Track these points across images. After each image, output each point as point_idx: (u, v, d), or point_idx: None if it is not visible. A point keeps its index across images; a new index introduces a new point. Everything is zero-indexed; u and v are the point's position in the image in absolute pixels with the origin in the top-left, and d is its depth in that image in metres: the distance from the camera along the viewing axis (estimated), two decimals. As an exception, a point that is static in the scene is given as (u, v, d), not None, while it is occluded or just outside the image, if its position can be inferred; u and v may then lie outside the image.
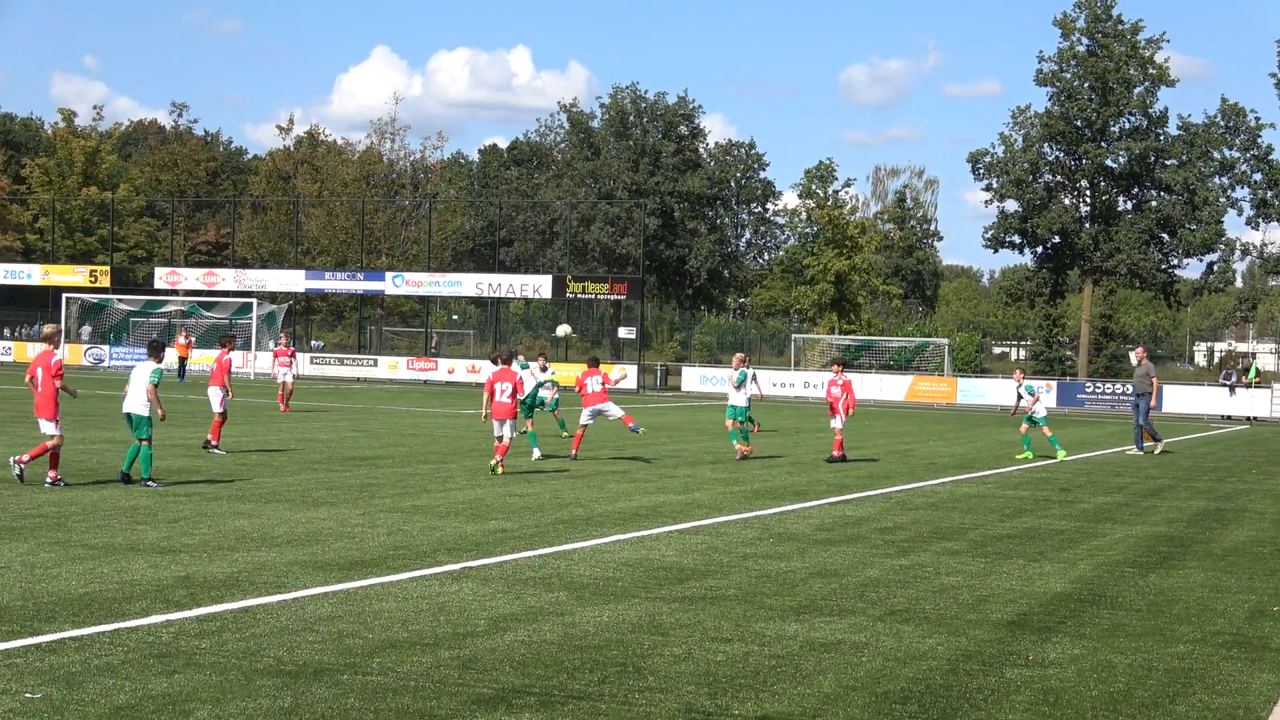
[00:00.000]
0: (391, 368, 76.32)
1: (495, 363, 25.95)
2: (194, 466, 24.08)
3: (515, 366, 28.42)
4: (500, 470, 24.42)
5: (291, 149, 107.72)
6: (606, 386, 29.11)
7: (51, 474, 20.46)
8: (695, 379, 74.70)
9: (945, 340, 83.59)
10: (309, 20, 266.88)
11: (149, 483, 20.72)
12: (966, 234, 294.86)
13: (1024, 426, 33.97)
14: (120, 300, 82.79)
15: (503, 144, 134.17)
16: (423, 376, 74.26)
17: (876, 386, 71.09)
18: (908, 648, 11.43)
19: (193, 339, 70.85)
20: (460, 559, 15.03)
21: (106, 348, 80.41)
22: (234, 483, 21.78)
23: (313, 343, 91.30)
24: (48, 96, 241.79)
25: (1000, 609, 13.28)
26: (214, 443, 27.21)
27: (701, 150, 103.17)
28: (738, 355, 31.86)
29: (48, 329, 22.16)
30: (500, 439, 24.82)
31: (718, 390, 71.56)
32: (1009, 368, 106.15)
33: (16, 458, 20.69)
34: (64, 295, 79.72)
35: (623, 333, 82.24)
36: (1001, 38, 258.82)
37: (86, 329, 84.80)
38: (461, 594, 13.01)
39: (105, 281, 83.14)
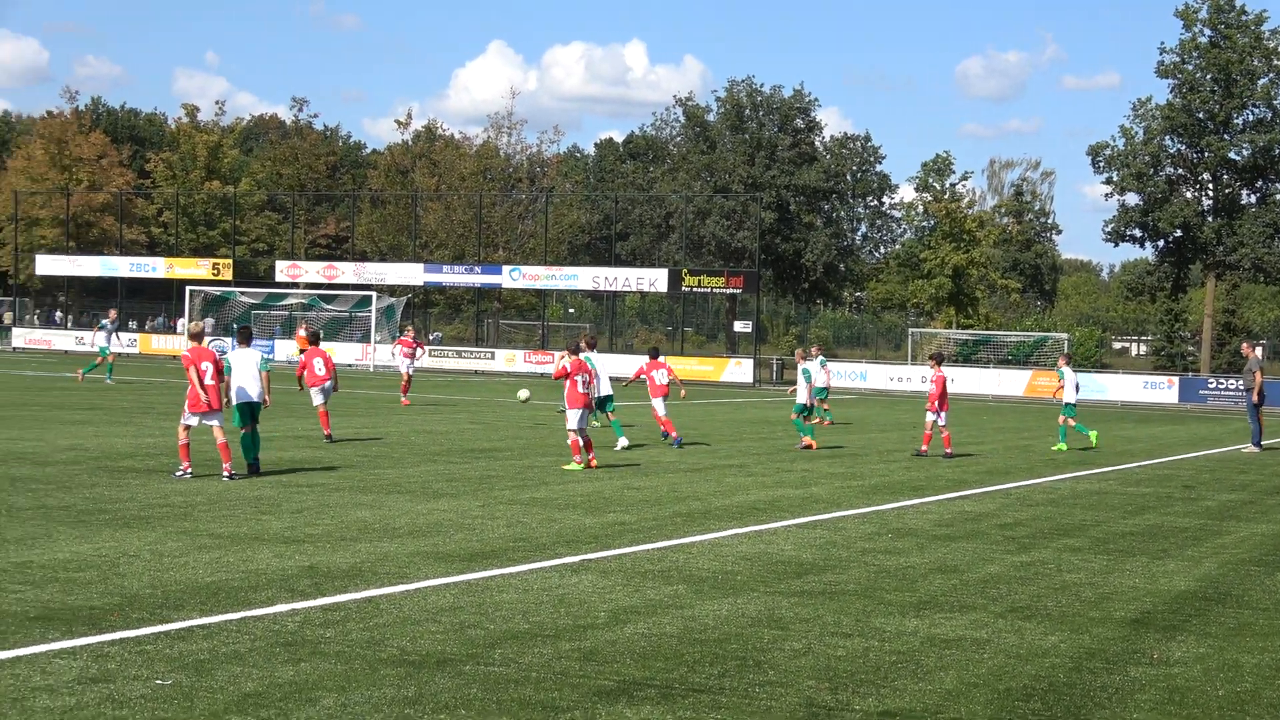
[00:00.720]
0: (508, 360, 76.74)
1: (574, 353, 25.37)
2: (315, 457, 24.36)
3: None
4: (593, 464, 24.32)
5: (410, 143, 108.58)
6: (670, 380, 29.50)
7: (226, 467, 20.68)
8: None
9: (1064, 335, 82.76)
10: (426, 15, 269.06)
11: (253, 466, 21.12)
12: (1086, 228, 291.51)
13: (1061, 417, 34.07)
14: (242, 293, 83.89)
15: (618, 138, 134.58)
16: (539, 369, 74.61)
17: (995, 381, 70.50)
18: (1030, 645, 11.35)
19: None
20: (579, 551, 15.11)
21: (229, 340, 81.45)
22: (356, 474, 22.01)
23: (431, 335, 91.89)
24: (170, 92, 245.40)
25: (1124, 607, 13.15)
26: (327, 434, 27.73)
27: (817, 143, 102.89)
28: (798, 351, 32.29)
29: (195, 327, 22.45)
30: (579, 431, 24.60)
31: (834, 384, 71.15)
32: (1128, 364, 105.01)
33: (225, 471, 20.77)
34: (187, 288, 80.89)
35: (738, 326, 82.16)
36: (1121, 29, 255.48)
37: (209, 321, 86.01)
38: (581, 586, 13.08)
39: (227, 274, 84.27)
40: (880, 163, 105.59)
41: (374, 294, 77.90)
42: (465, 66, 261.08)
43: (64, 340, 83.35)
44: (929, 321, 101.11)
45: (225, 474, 20.48)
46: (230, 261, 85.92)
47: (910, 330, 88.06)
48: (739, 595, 12.95)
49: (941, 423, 29.52)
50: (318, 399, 28.27)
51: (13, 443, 24.68)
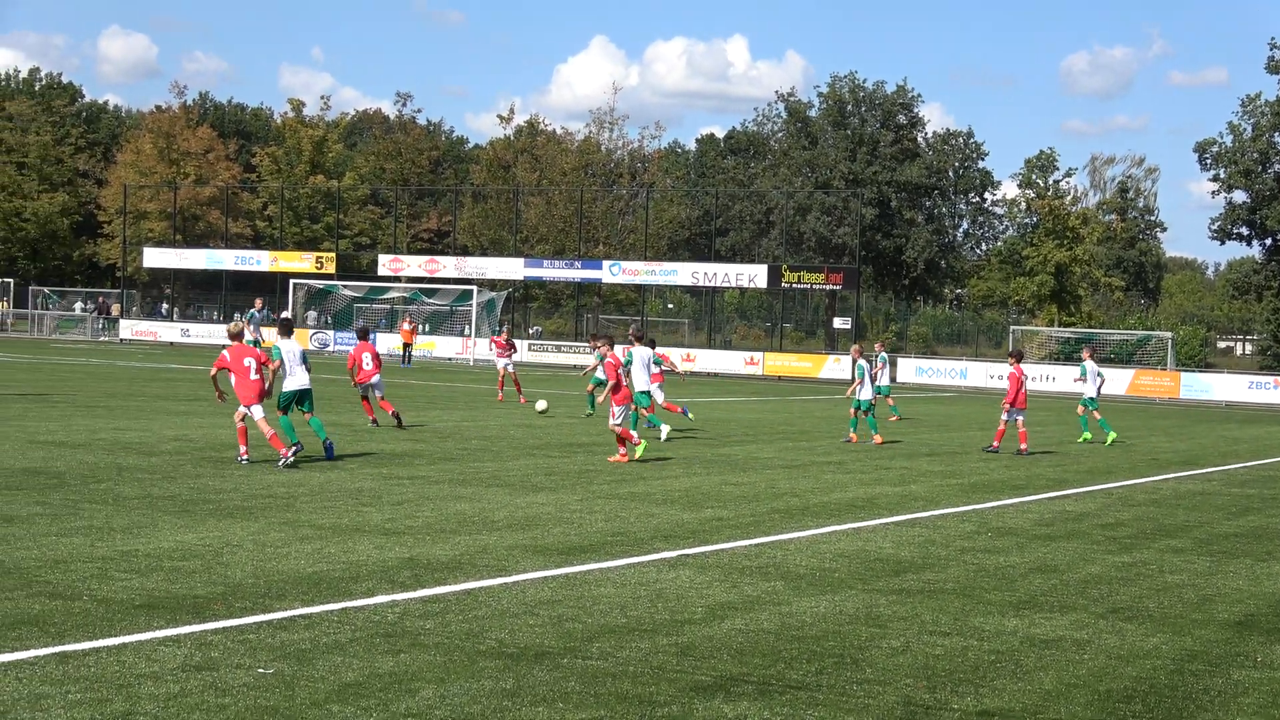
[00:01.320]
0: (608, 355, 76.74)
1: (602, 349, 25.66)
2: (416, 450, 24.53)
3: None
4: (624, 459, 24.21)
5: (512, 138, 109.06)
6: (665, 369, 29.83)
7: (244, 450, 21.33)
8: (911, 370, 73.98)
9: (1168, 334, 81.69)
10: (529, 11, 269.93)
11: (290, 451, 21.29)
12: (1191, 225, 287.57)
13: (1081, 407, 34.62)
14: (345, 286, 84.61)
15: (719, 133, 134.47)
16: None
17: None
18: (1131, 646, 11.25)
19: (416, 325, 72.07)
20: (677, 546, 15.13)
21: (331, 333, 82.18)
22: (456, 467, 22.16)
23: (530, 329, 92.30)
24: (277, 87, 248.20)
25: (1227, 609, 12.99)
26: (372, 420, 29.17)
27: (919, 139, 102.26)
28: (854, 347, 32.54)
29: (234, 327, 22.87)
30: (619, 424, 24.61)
31: (934, 382, 70.88)
32: (1234, 363, 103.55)
33: (283, 459, 21.18)
34: (291, 281, 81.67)
35: (838, 323, 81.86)
36: (1230, 25, 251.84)
37: (312, 314, 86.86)
38: (679, 581, 13.10)
39: (331, 268, 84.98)
40: (982, 159, 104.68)
41: (475, 288, 78.27)
42: (567, 62, 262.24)
43: (170, 332, 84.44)
44: (1031, 319, 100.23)
45: (284, 459, 21.00)
46: (333, 255, 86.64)
47: (1011, 328, 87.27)
48: (837, 592, 12.92)
49: (1019, 420, 29.45)
50: (379, 391, 29.46)
51: (120, 433, 25.05)
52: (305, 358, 23.06)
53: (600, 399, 25.79)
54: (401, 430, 28.20)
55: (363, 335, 30.83)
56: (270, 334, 51.95)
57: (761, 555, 14.86)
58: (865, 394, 31.07)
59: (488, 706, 8.72)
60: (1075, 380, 35.33)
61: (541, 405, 34.02)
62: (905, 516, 18.65)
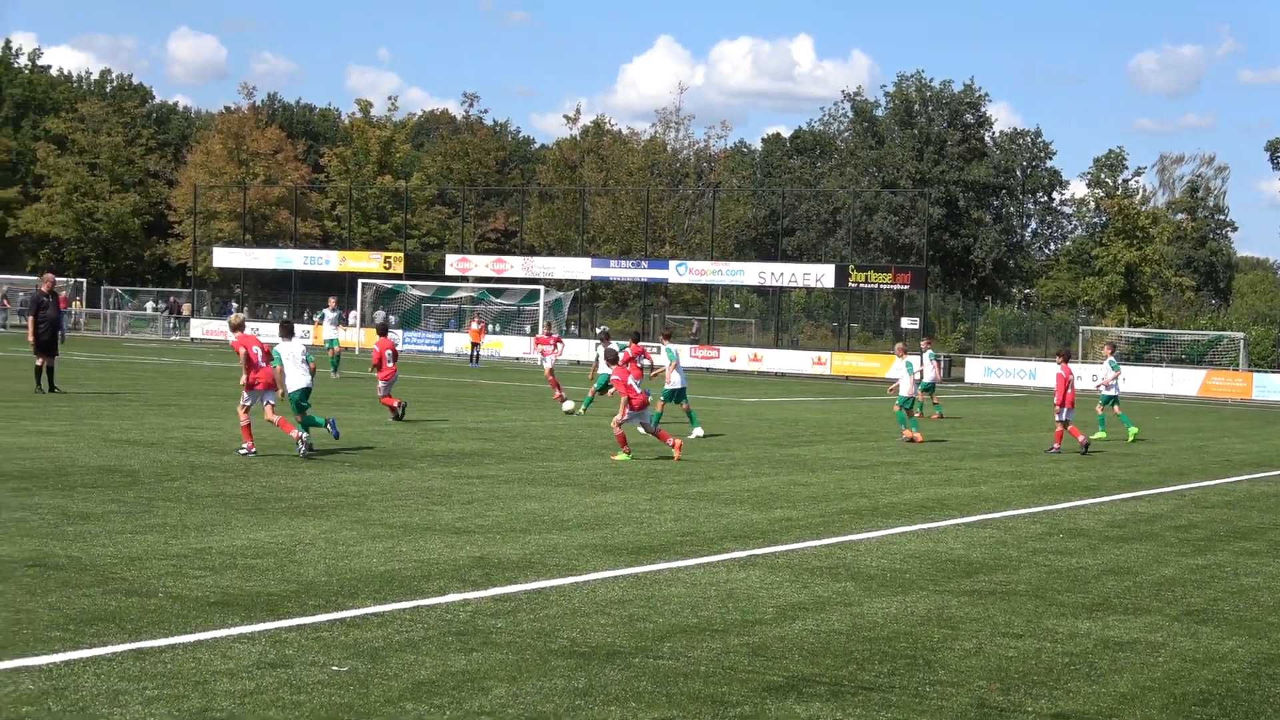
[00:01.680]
0: (674, 355, 76.71)
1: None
2: (485, 450, 24.60)
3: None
4: (625, 452, 24.09)
5: (578, 138, 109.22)
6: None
7: (300, 437, 21.93)
8: (979, 370, 73.63)
9: (1240, 334, 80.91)
10: (595, 11, 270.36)
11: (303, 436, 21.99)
12: (1262, 225, 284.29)
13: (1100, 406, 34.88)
14: (413, 286, 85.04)
15: (785, 133, 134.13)
16: (705, 364, 74.64)
17: (1168, 381, 69.23)
18: (1206, 649, 11.15)
19: (485, 324, 72.31)
20: (747, 546, 15.12)
21: (400, 332, 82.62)
22: (525, 466, 22.21)
23: (597, 329, 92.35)
24: (344, 88, 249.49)
25: (1304, 612, 12.87)
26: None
27: (987, 139, 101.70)
28: (899, 345, 32.79)
29: (235, 319, 23.63)
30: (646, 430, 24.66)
31: (1003, 382, 70.50)
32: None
33: (302, 445, 21.67)
34: (360, 281, 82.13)
35: (905, 323, 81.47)
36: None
37: (380, 313, 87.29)
38: (749, 581, 13.09)
39: (399, 268, 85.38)
40: (1050, 159, 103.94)
41: (542, 288, 78.47)
42: (633, 62, 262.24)
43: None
44: (1100, 319, 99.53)
45: (302, 450, 21.68)
46: (401, 255, 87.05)
47: (1080, 328, 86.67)
48: (908, 593, 12.87)
49: (1066, 419, 29.42)
50: (387, 388, 30.23)
51: (193, 431, 25.25)
52: (308, 358, 23.45)
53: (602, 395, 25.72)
54: (400, 423, 28.56)
55: (382, 331, 31.22)
56: (342, 333, 52.32)
57: (831, 556, 14.82)
58: (905, 389, 31.13)
59: (560, 705, 8.74)
60: (1105, 382, 35.21)
61: (569, 406, 34.13)
62: (976, 517, 18.56)
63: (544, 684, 9.18)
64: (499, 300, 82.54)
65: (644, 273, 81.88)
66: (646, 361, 32.79)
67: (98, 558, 12.65)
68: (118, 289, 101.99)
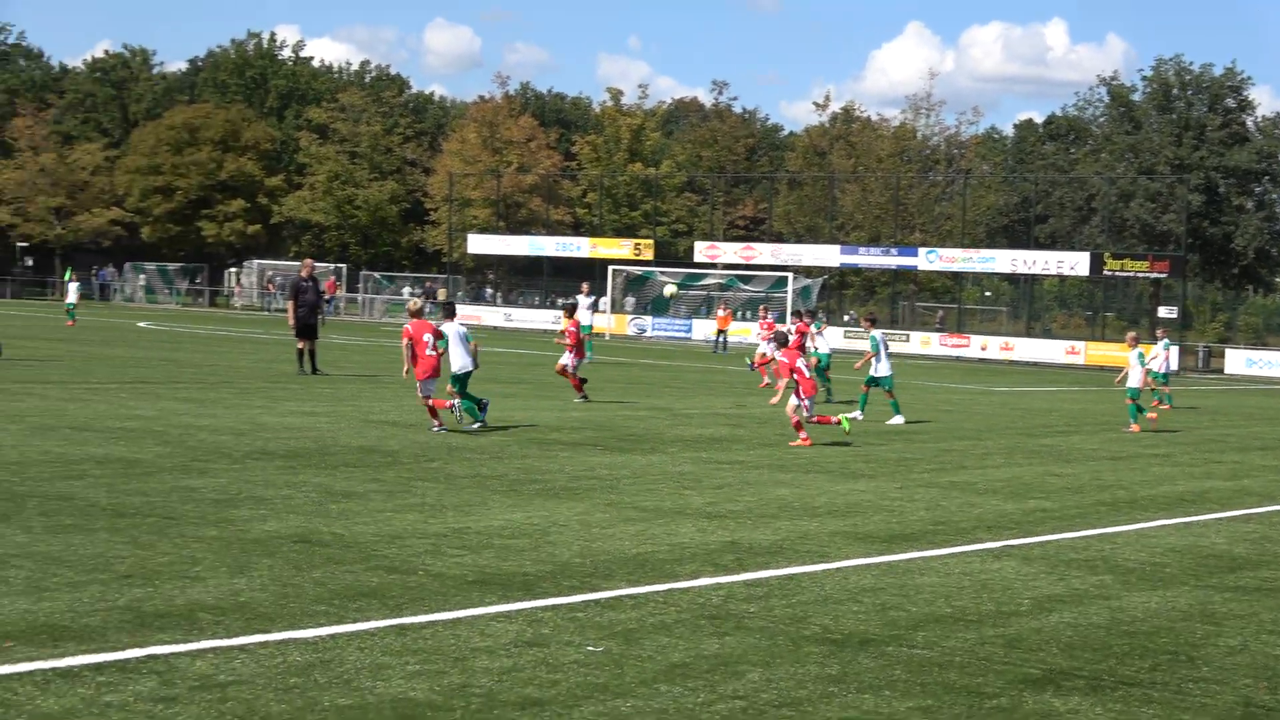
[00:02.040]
0: (923, 343, 76.09)
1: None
2: (735, 436, 24.64)
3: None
4: (806, 443, 23.51)
5: (827, 125, 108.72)
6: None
7: (437, 423, 22.76)
8: (1240, 361, 71.52)
9: None
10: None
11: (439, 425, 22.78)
12: None
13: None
14: (662, 273, 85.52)
15: (1038, 118, 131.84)
16: (954, 353, 73.77)
17: None
18: None
19: (732, 311, 72.44)
20: (1000, 537, 14.90)
21: (649, 319, 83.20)
22: (774, 452, 22.20)
23: (845, 316, 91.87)
24: (595, 77, 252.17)
25: None
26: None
27: (1249, 123, 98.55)
28: (1130, 335, 32.31)
29: (414, 305, 24.32)
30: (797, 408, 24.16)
31: (1266, 374, 68.38)
32: None
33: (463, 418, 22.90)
34: (610, 267, 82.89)
35: (1162, 312, 79.47)
36: None
37: (630, 300, 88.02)
38: (1003, 572, 12.90)
39: (648, 255, 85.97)
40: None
41: (790, 275, 78.30)
42: (882, 48, 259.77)
43: (493, 316, 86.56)
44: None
45: (435, 427, 22.58)
46: (651, 242, 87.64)
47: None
48: (1168, 588, 12.57)
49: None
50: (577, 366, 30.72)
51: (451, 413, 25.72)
52: (468, 338, 24.19)
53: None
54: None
55: (570, 312, 31.43)
56: (595, 319, 52.83)
57: (1089, 548, 14.53)
58: (1135, 380, 30.43)
59: (814, 692, 8.72)
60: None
61: (670, 289, 33.66)
62: (1239, 512, 18.04)
63: (797, 670, 9.17)
64: (747, 287, 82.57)
65: (893, 260, 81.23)
66: (812, 345, 33.03)
67: (360, 535, 12.98)
68: (376, 274, 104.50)
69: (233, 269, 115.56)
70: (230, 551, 11.86)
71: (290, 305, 34.89)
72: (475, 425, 23.26)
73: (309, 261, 38.05)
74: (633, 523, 14.56)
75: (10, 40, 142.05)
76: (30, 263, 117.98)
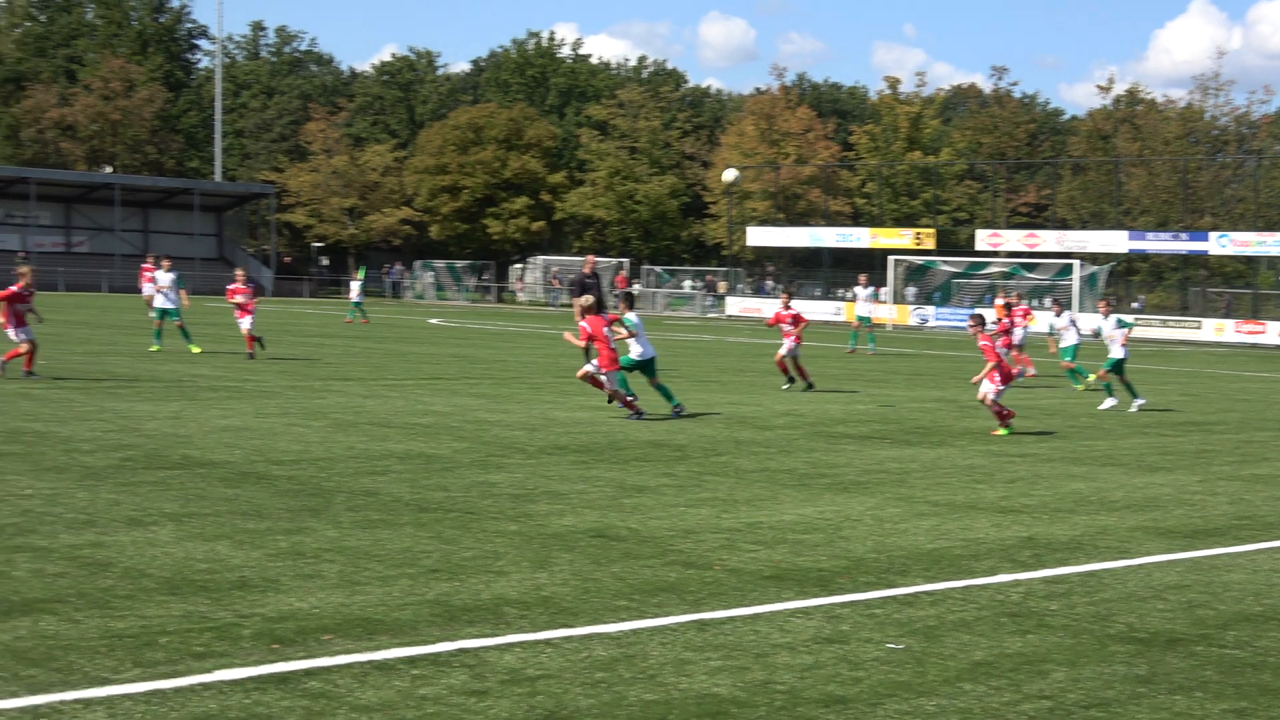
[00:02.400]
0: (1217, 330, 73.82)
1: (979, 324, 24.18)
2: (1023, 427, 24.20)
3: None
4: (995, 433, 22.91)
5: (1110, 108, 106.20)
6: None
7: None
8: None
9: None
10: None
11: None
12: None
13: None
14: (944, 262, 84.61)
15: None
16: (1250, 340, 71.41)
17: None
18: None
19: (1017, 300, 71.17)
20: (1310, 533, 14.41)
21: (931, 309, 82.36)
22: (1067, 445, 21.78)
23: (1132, 304, 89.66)
24: (870, 65, 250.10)
25: None
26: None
27: None
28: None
29: (585, 301, 24.50)
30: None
31: None
32: None
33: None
34: (890, 257, 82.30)
35: None
36: None
37: (911, 290, 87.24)
38: (1316, 569, 12.47)
39: (929, 244, 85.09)
40: None
41: (1076, 262, 76.74)
42: (1164, 27, 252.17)
43: (774, 308, 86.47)
44: None
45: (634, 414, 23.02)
46: (932, 231, 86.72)
47: None
48: None
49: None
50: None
51: (734, 407, 25.87)
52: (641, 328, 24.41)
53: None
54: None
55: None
56: (876, 309, 52.49)
57: (1405, 544, 13.95)
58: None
59: (1121, 692, 8.54)
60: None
61: (731, 174, 32.29)
62: None
63: (1103, 670, 9.00)
64: (1031, 275, 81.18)
65: (1183, 245, 79.01)
66: (1020, 331, 32.36)
67: (655, 530, 13.13)
68: (657, 268, 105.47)
69: (517, 265, 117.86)
70: (531, 546, 12.10)
71: (576, 302, 35.36)
72: (680, 409, 23.62)
73: (591, 258, 38.54)
74: (925, 517, 14.45)
75: (302, 47, 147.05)
76: (326, 262, 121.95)
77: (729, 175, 32.23)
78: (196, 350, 34.32)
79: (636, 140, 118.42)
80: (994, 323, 30.81)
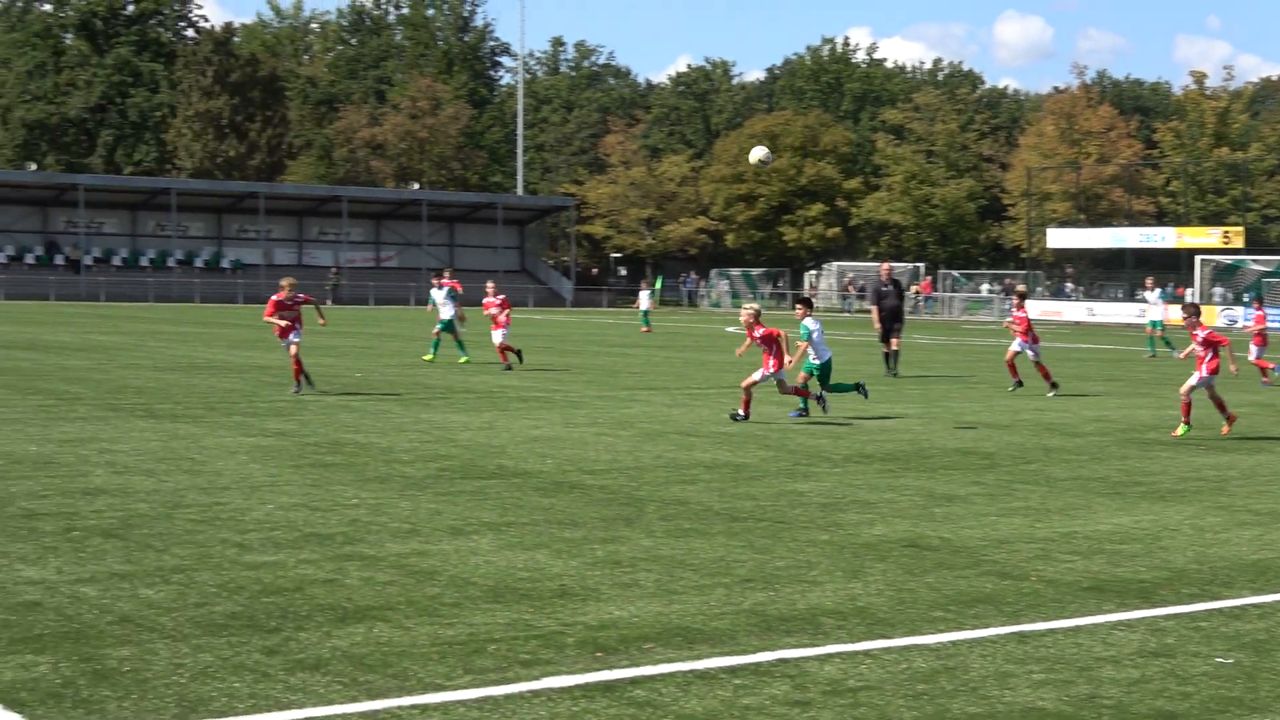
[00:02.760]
0: None
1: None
2: (1349, 433, 23.32)
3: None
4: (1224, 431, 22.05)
5: None
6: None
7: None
8: None
9: None
10: None
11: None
12: None
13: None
14: (1253, 261, 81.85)
15: None
16: None
17: None
18: None
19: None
20: None
21: (1239, 309, 79.71)
22: (1394, 451, 20.93)
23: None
24: (1172, 60, 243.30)
25: None
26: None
27: None
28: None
29: (754, 308, 23.80)
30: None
31: None
32: None
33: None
34: (1196, 258, 79.96)
35: None
36: None
37: (1219, 290, 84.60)
38: None
39: (1237, 242, 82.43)
40: None
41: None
42: None
43: (1075, 311, 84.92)
44: None
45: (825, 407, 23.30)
46: (1241, 229, 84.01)
47: None
48: None
49: None
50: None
51: (1040, 414, 25.41)
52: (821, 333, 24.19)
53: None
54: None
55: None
56: (1166, 312, 51.03)
57: None
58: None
59: None
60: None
61: (758, 154, 30.47)
62: None
63: None
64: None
65: None
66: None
67: (967, 539, 13.01)
68: (954, 273, 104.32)
69: (812, 272, 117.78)
70: (843, 555, 12.11)
71: (874, 309, 35.51)
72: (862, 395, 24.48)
73: (888, 264, 38.46)
74: (1247, 527, 14.03)
75: (600, 61, 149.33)
76: (624, 272, 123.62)
77: (757, 155, 30.70)
78: (463, 360, 34.79)
79: (933, 143, 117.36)
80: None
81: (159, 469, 16.14)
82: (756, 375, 23.00)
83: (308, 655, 8.69)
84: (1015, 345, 29.73)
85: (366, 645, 8.95)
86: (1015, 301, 31.17)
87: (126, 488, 14.75)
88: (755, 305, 24.14)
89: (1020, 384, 29.73)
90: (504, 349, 33.99)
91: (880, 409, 25.46)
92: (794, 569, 11.51)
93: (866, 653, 9.06)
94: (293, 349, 25.96)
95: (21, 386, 26.30)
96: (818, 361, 24.09)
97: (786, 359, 22.93)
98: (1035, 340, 29.68)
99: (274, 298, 26.38)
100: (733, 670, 8.60)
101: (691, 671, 8.55)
